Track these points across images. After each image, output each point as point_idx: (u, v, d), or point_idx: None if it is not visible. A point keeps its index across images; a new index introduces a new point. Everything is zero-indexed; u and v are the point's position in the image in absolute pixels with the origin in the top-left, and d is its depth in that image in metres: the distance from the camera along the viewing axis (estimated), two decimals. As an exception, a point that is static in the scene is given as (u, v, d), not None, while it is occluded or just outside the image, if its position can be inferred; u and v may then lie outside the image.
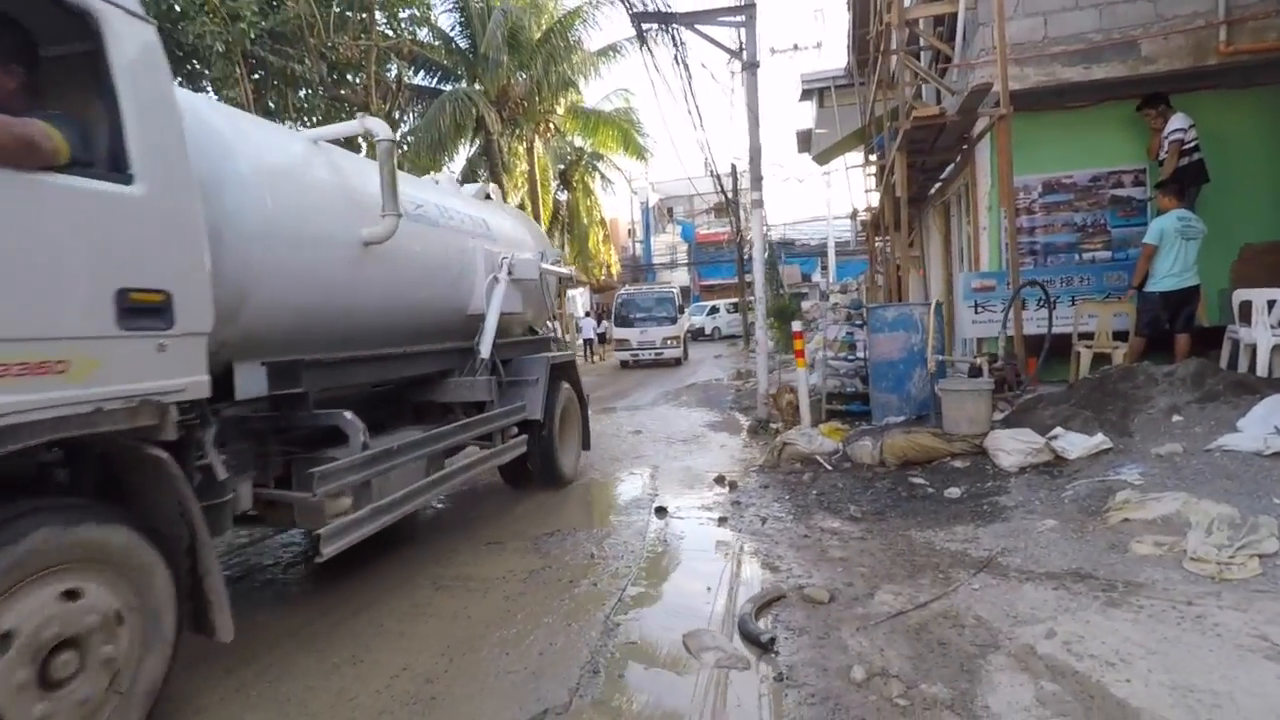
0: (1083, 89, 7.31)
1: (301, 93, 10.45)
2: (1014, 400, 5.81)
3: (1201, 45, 6.74)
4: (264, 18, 8.88)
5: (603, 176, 26.31)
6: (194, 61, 9.15)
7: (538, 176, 20.55)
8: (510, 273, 5.08)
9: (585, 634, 3.02)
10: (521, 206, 22.27)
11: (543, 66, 16.45)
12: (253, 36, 8.72)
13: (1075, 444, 4.53)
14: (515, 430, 5.10)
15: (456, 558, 4.15)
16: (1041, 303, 6.58)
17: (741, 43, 7.73)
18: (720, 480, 5.57)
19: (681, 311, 18.32)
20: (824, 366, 7.50)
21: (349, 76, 10.90)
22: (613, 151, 22.87)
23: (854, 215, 18.85)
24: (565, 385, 5.73)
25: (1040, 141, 7.66)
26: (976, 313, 7.47)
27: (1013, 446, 4.59)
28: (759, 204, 7.71)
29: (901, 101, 7.42)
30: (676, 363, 17.35)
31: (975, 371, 5.62)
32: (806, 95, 18.06)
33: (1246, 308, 6.01)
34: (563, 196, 27.36)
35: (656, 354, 17.24)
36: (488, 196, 6.26)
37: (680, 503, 5.06)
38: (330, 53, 10.05)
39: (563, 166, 25.88)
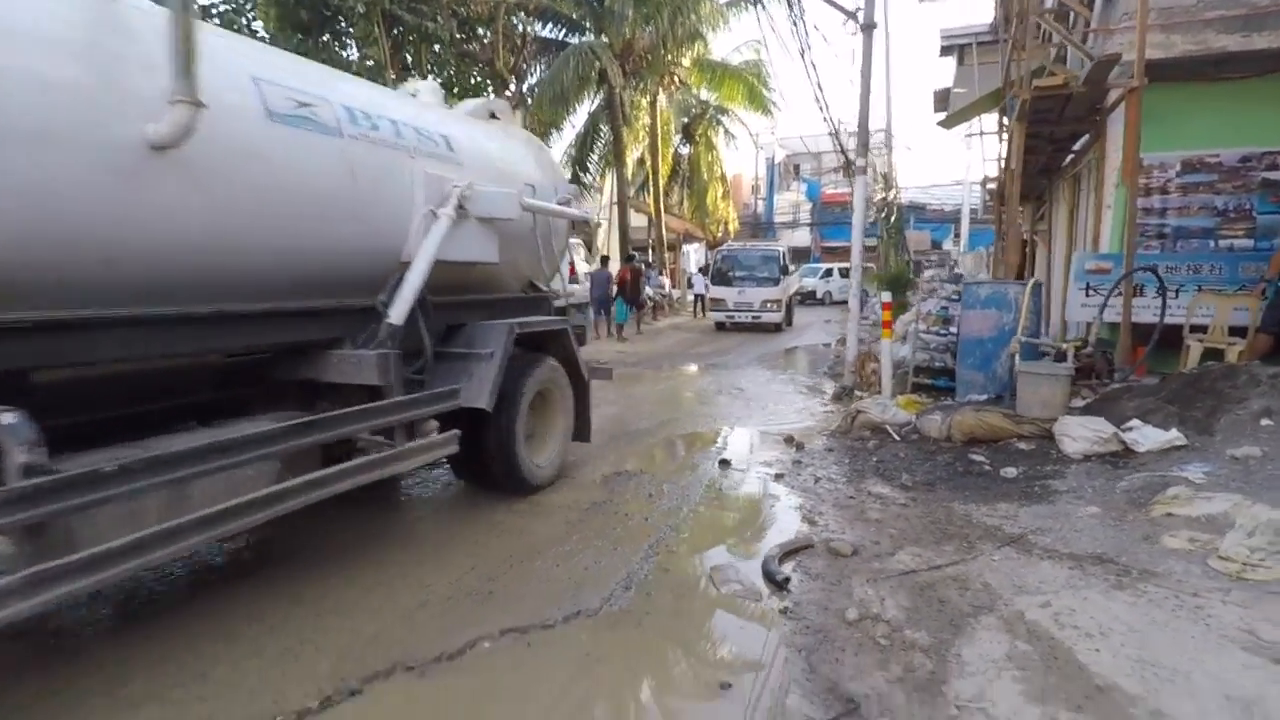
0: (1240, 60, 6.69)
1: (435, 47, 11.19)
2: (1099, 389, 5.65)
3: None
4: (401, -21, 9.60)
5: (726, 131, 26.05)
6: (340, 20, 10.03)
7: (659, 130, 20.75)
8: (463, 207, 3.82)
9: (628, 558, 3.49)
10: (641, 160, 22.63)
11: (669, 19, 16.45)
12: (391, -1, 9.48)
13: (1148, 438, 4.47)
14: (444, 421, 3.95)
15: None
16: (1158, 290, 6.24)
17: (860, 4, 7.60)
18: (789, 441, 5.85)
19: (786, 272, 16.81)
20: (915, 339, 7.49)
21: (478, 31, 11.51)
22: (738, 106, 22.56)
23: (984, 182, 17.73)
24: (549, 361, 4.57)
25: (1184, 115, 7.12)
26: (1088, 295, 7.17)
27: (1079, 433, 4.57)
28: (862, 170, 7.66)
29: (1025, 68, 7.06)
30: (776, 328, 16.28)
31: (1060, 356, 5.50)
32: (946, 51, 17.04)
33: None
34: (685, 150, 27.38)
35: (754, 316, 16.06)
36: (492, 115, 5.06)
37: (746, 459, 5.40)
38: (461, 9, 10.67)
39: (686, 120, 25.84)
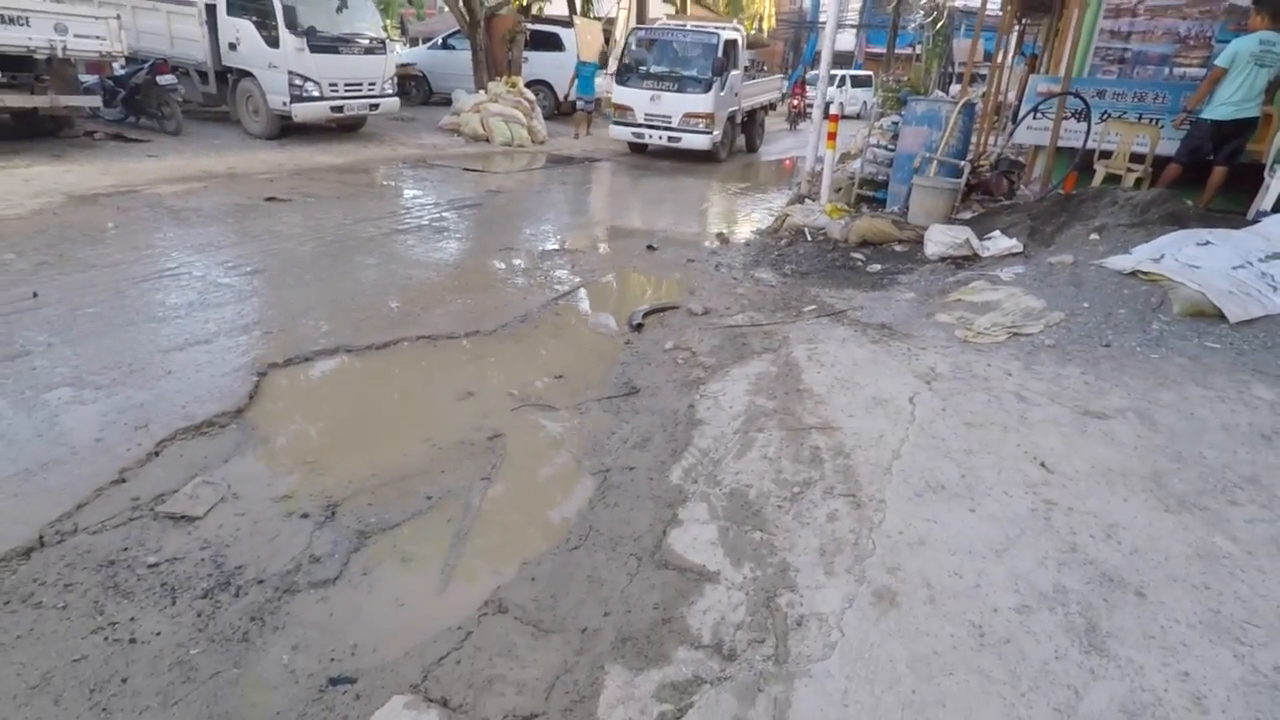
0: None
1: None
2: (988, 204, 6.32)
3: None
4: None
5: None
6: None
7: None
8: None
9: (532, 304, 4.57)
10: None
11: None
12: None
13: (995, 245, 5.26)
14: None
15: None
16: (1081, 116, 6.64)
17: None
18: (720, 236, 6.72)
19: (724, 72, 11.06)
20: (867, 152, 8.00)
21: None
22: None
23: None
24: None
25: (1167, -71, 6.96)
26: (1035, 118, 7.52)
27: (939, 239, 5.37)
28: (838, -24, 7.67)
29: None
30: (709, 159, 11.71)
31: (958, 172, 6.12)
32: None
33: (1289, 147, 5.94)
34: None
35: (670, 138, 11.25)
36: None
37: (672, 246, 6.32)
38: None
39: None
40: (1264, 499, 2.34)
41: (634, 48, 11.77)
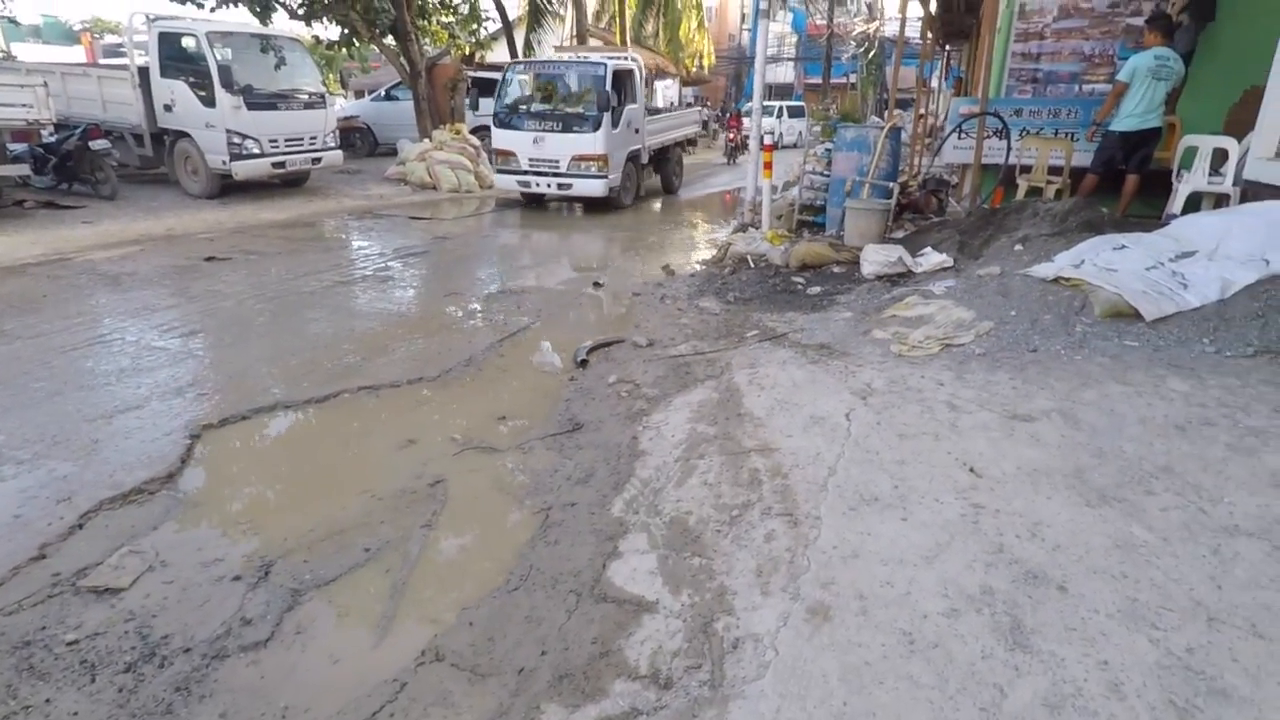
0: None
1: None
2: (919, 222, 6.54)
3: None
4: None
5: (700, -46, 24.65)
6: None
7: (623, -47, 19.74)
8: None
9: (476, 346, 4.56)
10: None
11: None
12: None
13: (928, 260, 5.43)
14: None
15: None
16: (1001, 134, 6.96)
17: None
18: (665, 269, 6.82)
19: (610, 107, 9.78)
20: (804, 179, 8.23)
21: None
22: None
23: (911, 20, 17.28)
24: None
25: (1063, -40, 7.42)
26: (959, 138, 7.85)
27: (874, 258, 5.53)
28: (765, 14, 7.99)
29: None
30: (608, 206, 10.44)
31: (888, 194, 6.34)
32: None
33: (1191, 155, 6.29)
34: (661, -25, 25.97)
35: (559, 184, 10.02)
36: None
37: (616, 282, 6.39)
38: None
39: (659, -60, 24.36)
40: (1177, 487, 2.43)
41: (512, 84, 10.50)
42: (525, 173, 10.14)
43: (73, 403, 3.68)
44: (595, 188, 9.91)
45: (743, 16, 39.60)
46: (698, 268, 6.90)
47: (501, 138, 10.25)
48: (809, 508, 2.48)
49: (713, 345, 4.49)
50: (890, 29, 30.22)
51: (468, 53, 15.36)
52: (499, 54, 19.30)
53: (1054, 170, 6.83)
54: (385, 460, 3.19)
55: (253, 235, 8.23)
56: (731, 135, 19.50)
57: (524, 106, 10.33)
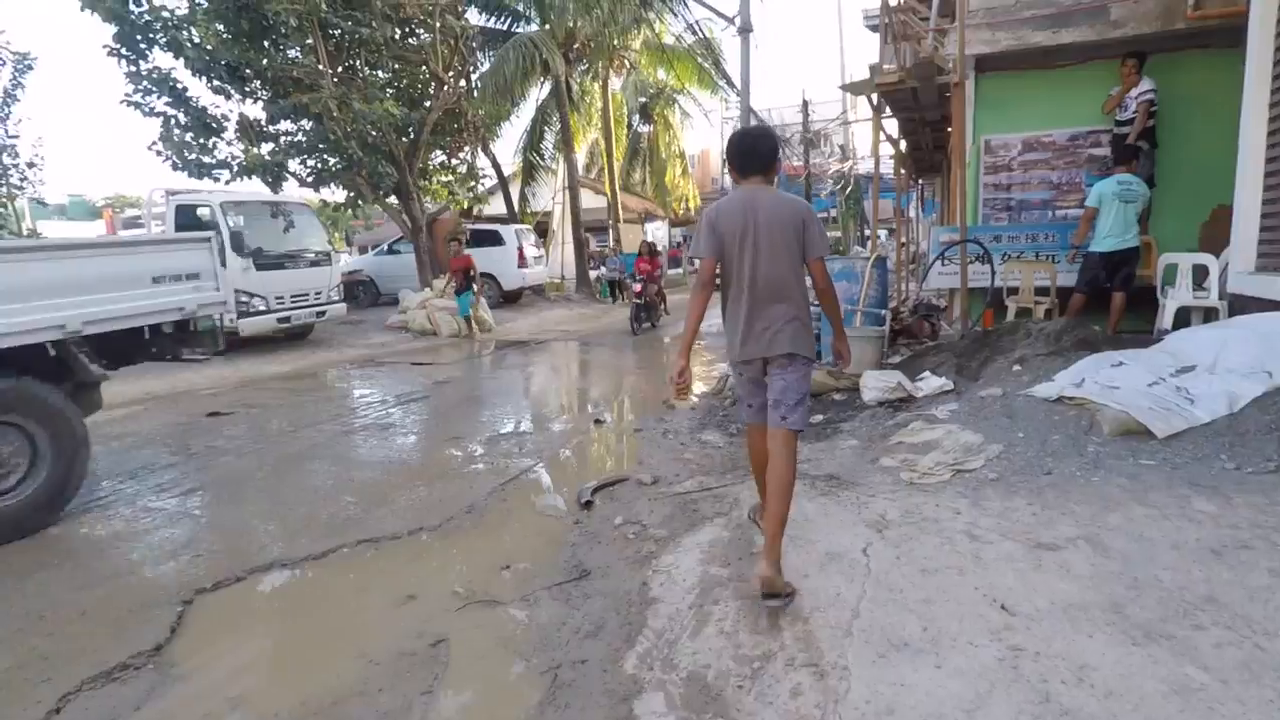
0: (1064, 50, 7.59)
1: (381, 47, 11.90)
2: (914, 347, 6.64)
3: (1170, 9, 6.91)
4: (332, -14, 10.31)
5: (682, 110, 26.75)
6: (273, 36, 10.75)
7: (611, 114, 21.44)
8: None
9: (478, 493, 4.47)
10: (596, 144, 23.35)
11: (609, 7, 17.08)
12: (324, 7, 10.19)
13: (928, 385, 5.46)
14: None
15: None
16: (983, 259, 7.23)
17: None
18: (665, 403, 6.84)
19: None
20: (796, 309, 8.45)
21: (417, 33, 12.24)
22: (691, 86, 23.18)
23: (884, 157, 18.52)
24: None
25: (1022, 101, 8.05)
26: (943, 265, 8.15)
27: (874, 384, 5.56)
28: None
29: (884, 59, 7.95)
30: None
31: (881, 321, 6.48)
32: (872, 29, 17.84)
33: (1172, 272, 6.51)
34: (646, 129, 28.04)
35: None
36: None
37: (619, 418, 6.38)
38: (395, 13, 11.40)
39: (644, 100, 26.51)
40: (1227, 619, 2.29)
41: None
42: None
43: (62, 573, 3.55)
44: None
45: (723, 161, 42.33)
46: (697, 400, 6.92)
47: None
48: (835, 656, 2.32)
49: (719, 480, 4.41)
50: (864, 166, 32.30)
51: (465, 207, 16.28)
52: (495, 207, 20.50)
53: (1041, 291, 7.03)
54: (384, 619, 3.03)
55: (256, 388, 8.32)
56: (638, 287, 12.51)
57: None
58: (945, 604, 2.55)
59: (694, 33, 19.91)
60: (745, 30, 8.28)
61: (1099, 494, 3.35)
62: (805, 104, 24.22)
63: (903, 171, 13.34)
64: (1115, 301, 6.58)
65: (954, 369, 5.66)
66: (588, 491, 4.32)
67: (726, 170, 3.60)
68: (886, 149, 11.90)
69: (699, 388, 7.58)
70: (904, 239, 15.24)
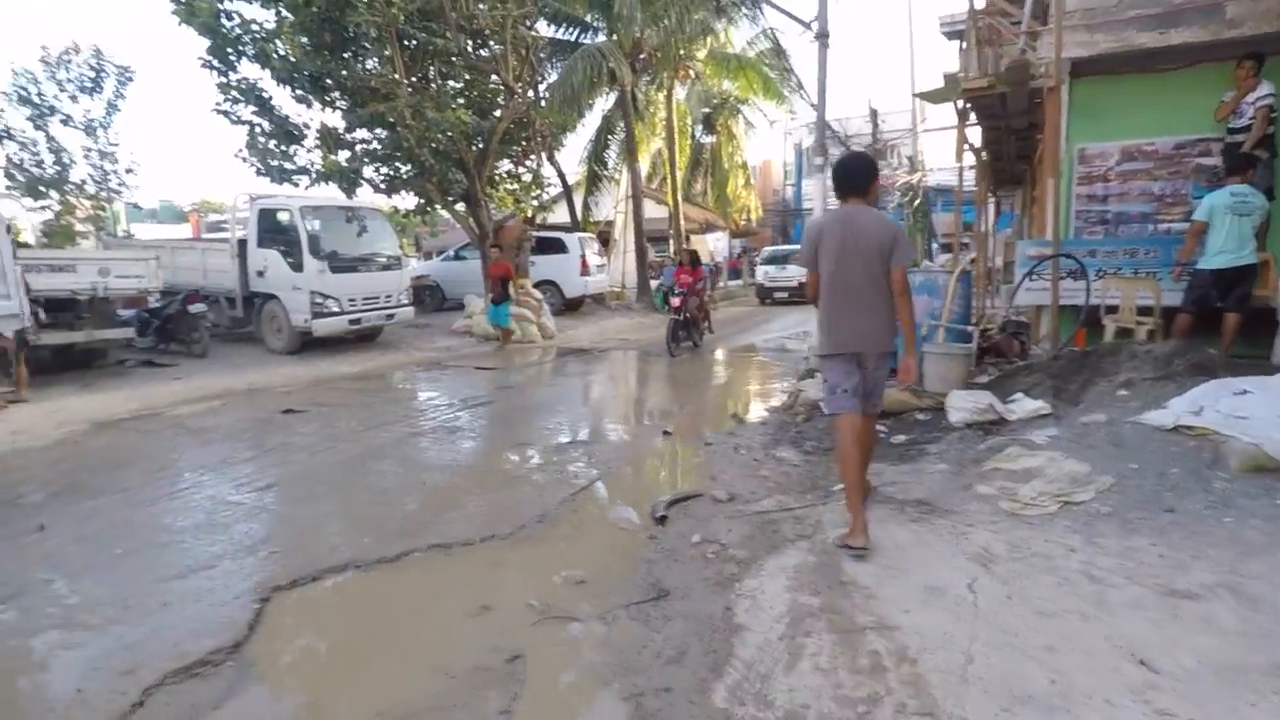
0: (1168, 54, 7.13)
1: (453, 58, 12.12)
2: (1003, 366, 6.29)
3: (1293, 7, 6.40)
4: (411, 1, 10.52)
5: (746, 120, 26.51)
6: (353, 48, 11.06)
7: (675, 123, 21.38)
8: None
9: (548, 502, 4.38)
10: (659, 153, 23.32)
11: (677, 17, 17.04)
12: (402, 19, 10.42)
13: (1021, 408, 5.13)
14: None
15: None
16: (1076, 275, 6.81)
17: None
18: (735, 417, 6.66)
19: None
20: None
21: (489, 43, 12.42)
22: (756, 96, 22.96)
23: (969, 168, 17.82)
24: None
25: (1121, 108, 7.59)
26: (1031, 280, 7.73)
27: (962, 404, 5.26)
28: (820, 169, 8.34)
29: (968, 65, 7.63)
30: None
31: (968, 338, 6.16)
32: (950, 36, 17.30)
33: (1299, 290, 5.99)
34: (708, 140, 27.89)
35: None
36: None
37: (685, 430, 6.23)
38: (468, 24, 11.59)
39: (707, 110, 26.38)
40: None
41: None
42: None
43: (147, 561, 3.60)
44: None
45: (785, 173, 41.88)
46: (766, 415, 6.71)
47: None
48: (951, 706, 2.12)
49: (798, 500, 4.21)
50: (933, 179, 31.40)
51: (529, 215, 16.41)
52: (559, 215, 20.65)
53: (1143, 310, 6.58)
54: (458, 629, 2.95)
55: (328, 388, 8.48)
56: (676, 301, 10.85)
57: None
58: (1071, 654, 2.31)
59: (767, 39, 19.68)
60: (823, 36, 8.07)
61: (1234, 537, 3.03)
62: (874, 113, 23.65)
63: (982, 184, 12.80)
64: (1229, 323, 6.07)
65: (1051, 391, 5.30)
66: (662, 506, 4.18)
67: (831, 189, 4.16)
68: (961, 159, 11.46)
69: (765, 404, 7.36)
70: (974, 254, 14.63)
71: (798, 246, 23.75)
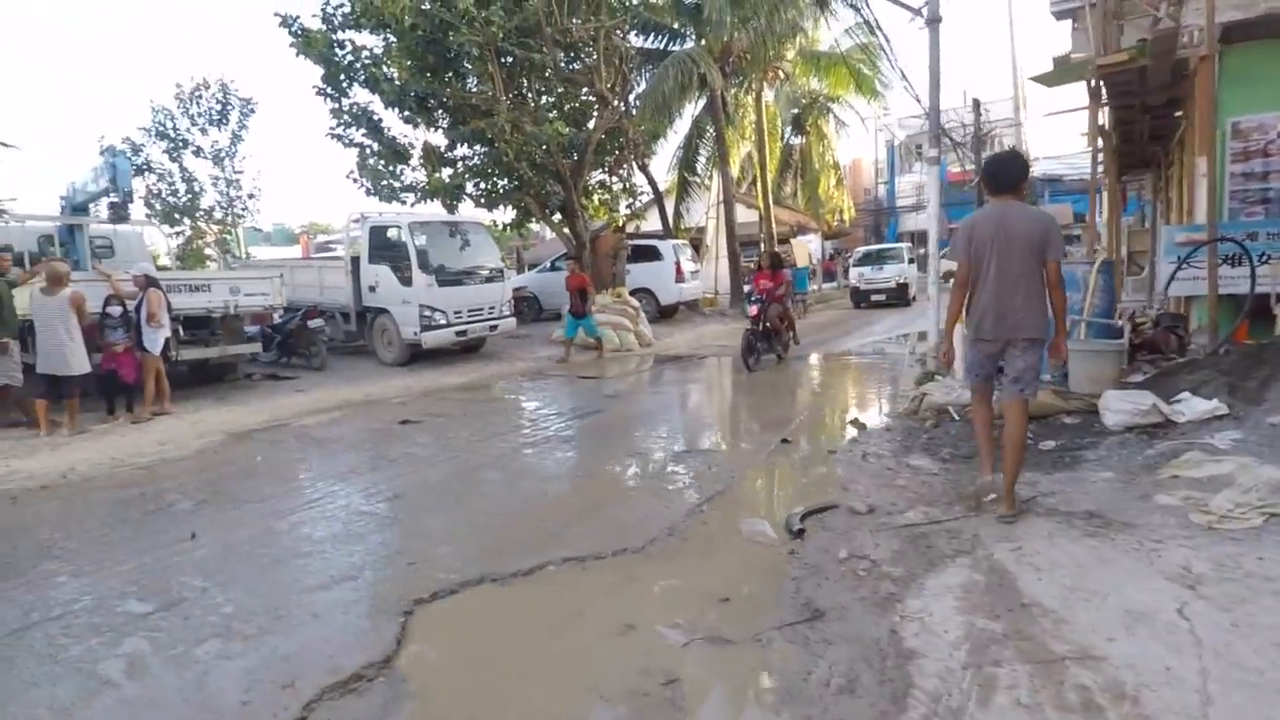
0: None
1: (546, 73, 12.33)
2: (1160, 363, 5.70)
3: None
4: (510, 18, 10.74)
5: (837, 119, 25.79)
6: (455, 67, 11.39)
7: (765, 125, 21.02)
8: None
9: (675, 514, 4.24)
10: (749, 157, 22.98)
11: (766, 17, 16.75)
12: (501, 36, 10.66)
13: (1190, 409, 4.62)
14: None
15: (614, 459, 5.56)
16: (1235, 261, 6.14)
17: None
18: (855, 423, 6.34)
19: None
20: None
21: (583, 56, 12.56)
22: (846, 93, 22.30)
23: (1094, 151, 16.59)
24: None
25: (1280, 75, 6.81)
26: (1184, 268, 7.03)
27: (1119, 406, 4.78)
28: (935, 161, 7.90)
29: (1096, 41, 7.03)
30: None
31: (1118, 333, 5.62)
32: (1061, 16, 16.21)
33: None
34: (797, 141, 27.29)
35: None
36: None
37: (807, 438, 5.97)
38: (563, 38, 11.73)
39: (796, 111, 25.83)
40: None
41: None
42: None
43: (293, 571, 3.68)
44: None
45: (876, 171, 40.54)
46: (889, 421, 6.35)
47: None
48: (1199, 755, 1.82)
49: (946, 512, 3.90)
50: (1040, 168, 29.58)
51: (619, 224, 16.47)
52: (651, 223, 20.65)
53: (1324, 298, 5.85)
54: (605, 649, 2.83)
55: (438, 398, 8.68)
56: (753, 309, 10.14)
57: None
58: (1338, 696, 1.96)
59: (864, 31, 19.08)
60: (934, 20, 7.64)
61: None
62: (976, 104, 22.52)
63: (1109, 169, 11.86)
64: None
65: (1224, 390, 4.75)
66: (797, 519, 3.96)
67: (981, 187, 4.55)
68: (1069, 144, 10.63)
69: (883, 409, 7.00)
70: (1096, 245, 13.55)
71: (892, 244, 22.75)
